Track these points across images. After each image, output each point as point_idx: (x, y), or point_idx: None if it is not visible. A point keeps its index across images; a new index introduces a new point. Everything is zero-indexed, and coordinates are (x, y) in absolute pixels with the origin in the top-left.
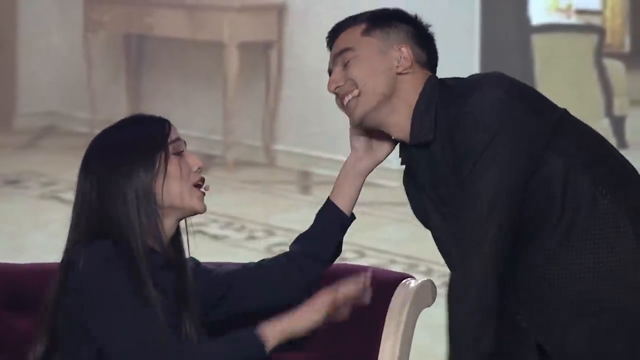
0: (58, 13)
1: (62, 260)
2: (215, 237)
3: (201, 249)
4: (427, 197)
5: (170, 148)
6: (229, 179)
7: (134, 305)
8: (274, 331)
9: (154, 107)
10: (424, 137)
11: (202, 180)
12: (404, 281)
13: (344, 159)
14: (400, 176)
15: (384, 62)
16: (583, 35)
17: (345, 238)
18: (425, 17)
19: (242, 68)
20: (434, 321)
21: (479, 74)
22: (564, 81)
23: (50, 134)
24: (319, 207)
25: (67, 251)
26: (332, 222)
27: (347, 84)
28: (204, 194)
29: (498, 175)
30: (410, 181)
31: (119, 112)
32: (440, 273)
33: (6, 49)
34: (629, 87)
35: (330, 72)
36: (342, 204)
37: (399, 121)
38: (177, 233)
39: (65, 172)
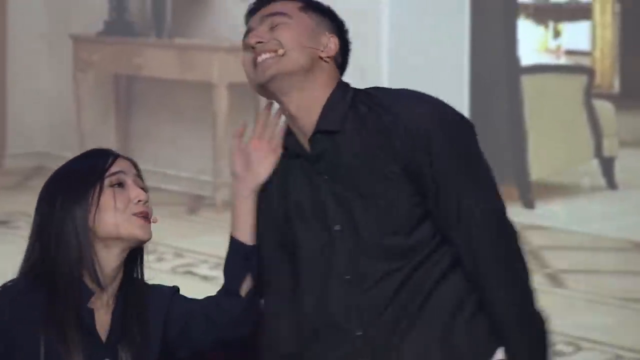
0: (47, 53)
1: None
2: (205, 278)
3: (191, 290)
4: (326, 189)
5: (107, 181)
6: (219, 219)
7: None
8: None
9: (143, 148)
10: (334, 125)
11: (145, 212)
12: None
13: None
14: None
15: (312, 40)
16: (572, 76)
17: None
18: (415, 55)
19: (231, 108)
20: None
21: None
22: (553, 122)
23: (39, 174)
24: None
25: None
26: (234, 255)
27: (271, 42)
28: (146, 222)
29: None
30: (287, 179)
31: None
32: None
33: None
34: (619, 128)
35: (248, 30)
36: (241, 235)
37: (304, 102)
38: (131, 262)
39: None
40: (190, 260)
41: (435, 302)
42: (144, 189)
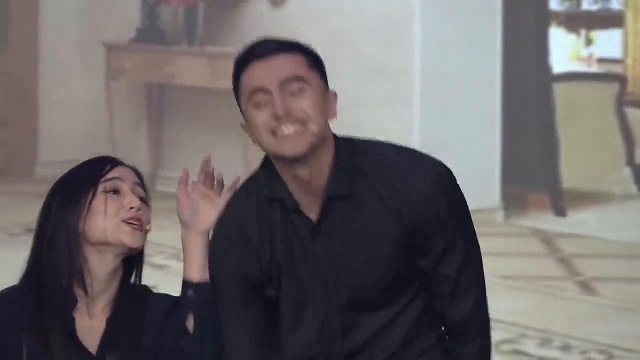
0: (80, 61)
1: None
2: None
3: None
4: (324, 248)
5: (101, 186)
6: None
7: None
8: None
9: (174, 156)
10: (345, 190)
11: (135, 218)
12: None
13: None
14: None
15: (324, 104)
16: (604, 84)
17: None
18: (448, 65)
19: None
20: None
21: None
22: (585, 130)
23: None
24: None
25: None
26: (184, 295)
27: (298, 113)
28: (136, 229)
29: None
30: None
31: (140, 160)
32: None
33: (28, 97)
34: None
35: (260, 89)
36: (193, 276)
37: (316, 166)
38: (126, 270)
39: None
40: None
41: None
42: (143, 198)
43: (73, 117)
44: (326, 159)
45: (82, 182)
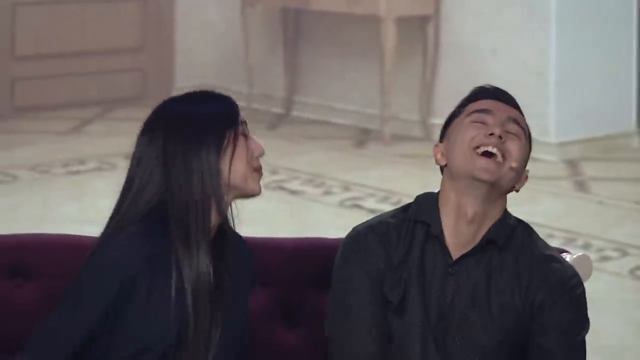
0: None
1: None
2: (372, 211)
3: (357, 223)
4: (454, 288)
5: (240, 129)
6: (386, 152)
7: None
8: None
9: (310, 81)
10: (502, 241)
11: (261, 167)
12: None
13: None
14: (558, 151)
15: (522, 169)
16: None
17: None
18: (584, 11)
19: (398, 42)
20: (591, 296)
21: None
22: None
23: None
24: None
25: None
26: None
27: (506, 148)
28: (260, 177)
29: None
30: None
31: (276, 85)
32: (598, 247)
33: (165, 24)
34: None
35: (486, 111)
36: None
37: (482, 212)
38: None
39: None
40: (357, 193)
41: None
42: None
43: (209, 43)
44: (495, 213)
45: (223, 118)
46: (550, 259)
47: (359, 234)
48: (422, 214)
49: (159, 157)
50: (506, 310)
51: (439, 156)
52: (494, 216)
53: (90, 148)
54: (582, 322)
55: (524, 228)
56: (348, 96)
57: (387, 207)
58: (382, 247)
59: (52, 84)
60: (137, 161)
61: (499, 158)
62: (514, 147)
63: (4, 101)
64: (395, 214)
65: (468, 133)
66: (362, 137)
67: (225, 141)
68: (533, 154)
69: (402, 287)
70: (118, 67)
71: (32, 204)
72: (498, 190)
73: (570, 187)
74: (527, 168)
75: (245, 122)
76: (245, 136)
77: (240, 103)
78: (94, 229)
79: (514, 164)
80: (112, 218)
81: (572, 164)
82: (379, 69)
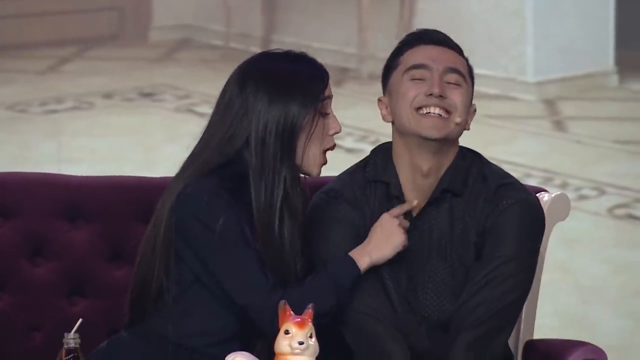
0: None
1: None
2: (350, 151)
3: (336, 162)
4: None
5: (321, 105)
6: (364, 92)
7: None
8: (362, 256)
9: (289, 20)
10: (458, 188)
11: (334, 146)
12: (538, 194)
13: (479, 71)
14: (536, 90)
15: (467, 111)
16: None
17: (485, 152)
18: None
19: None
20: (569, 235)
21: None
22: None
23: (185, 47)
24: None
25: (183, 177)
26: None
27: (450, 102)
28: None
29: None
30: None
31: (254, 25)
32: (576, 186)
33: None
34: None
35: (423, 65)
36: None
37: (436, 163)
38: None
39: (200, 85)
40: None
41: None
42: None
43: None
44: (447, 161)
45: (312, 86)
46: (502, 188)
47: (331, 202)
48: (380, 173)
49: (242, 110)
50: (468, 251)
51: (384, 112)
52: (449, 163)
53: (68, 87)
54: (530, 241)
55: (477, 165)
56: (326, 35)
57: (365, 146)
58: (353, 210)
59: (29, 22)
60: (225, 108)
61: (444, 114)
62: (456, 97)
63: None
64: (354, 170)
65: (409, 93)
66: (340, 76)
67: (308, 114)
68: (511, 94)
69: None
70: (96, 6)
71: (10, 143)
72: (449, 141)
73: (548, 127)
74: (473, 102)
75: (330, 97)
76: (326, 115)
77: (218, 42)
78: (72, 167)
79: (458, 119)
80: (193, 158)
81: (550, 103)
82: (357, 7)
